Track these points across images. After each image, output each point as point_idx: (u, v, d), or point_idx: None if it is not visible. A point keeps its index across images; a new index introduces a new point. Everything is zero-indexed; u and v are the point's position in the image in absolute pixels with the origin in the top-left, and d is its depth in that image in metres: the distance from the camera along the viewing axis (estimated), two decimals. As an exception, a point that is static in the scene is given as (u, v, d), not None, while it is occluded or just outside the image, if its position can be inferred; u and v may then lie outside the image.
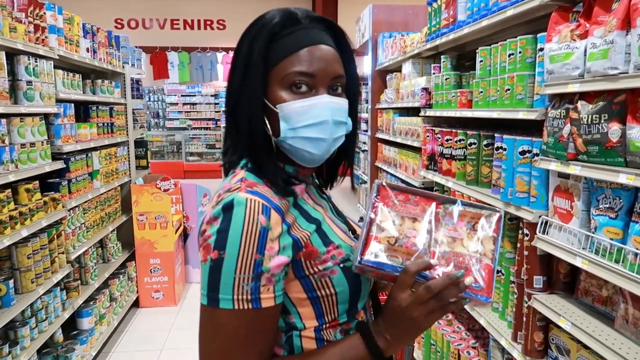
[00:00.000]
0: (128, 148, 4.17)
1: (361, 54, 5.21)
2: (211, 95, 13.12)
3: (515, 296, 1.88)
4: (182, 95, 13.10)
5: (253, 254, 0.79)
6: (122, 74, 4.04)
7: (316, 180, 1.07)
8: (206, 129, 12.80)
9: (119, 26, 12.63)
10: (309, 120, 0.87)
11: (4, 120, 2.34)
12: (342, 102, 0.92)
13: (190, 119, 13.06)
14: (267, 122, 0.89)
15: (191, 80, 13.13)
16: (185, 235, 4.72)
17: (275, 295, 0.83)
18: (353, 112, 0.98)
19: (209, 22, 13.17)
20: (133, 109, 4.26)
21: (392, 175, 3.81)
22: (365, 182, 4.78)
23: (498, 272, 2.10)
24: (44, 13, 2.74)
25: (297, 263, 0.86)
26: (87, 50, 3.32)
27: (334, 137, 0.90)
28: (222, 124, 6.87)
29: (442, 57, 2.70)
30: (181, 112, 13.09)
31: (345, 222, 1.05)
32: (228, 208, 0.81)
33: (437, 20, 2.68)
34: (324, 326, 0.91)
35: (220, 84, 13.16)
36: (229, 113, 0.94)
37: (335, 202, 1.11)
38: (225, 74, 13.14)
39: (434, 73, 2.82)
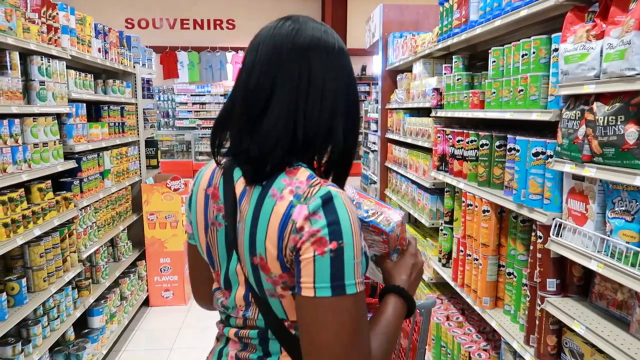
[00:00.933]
0: (139, 147, 4.19)
1: (371, 53, 5.20)
2: (220, 95, 13.16)
3: (528, 299, 1.86)
4: (191, 95, 13.16)
5: (360, 240, 0.86)
6: (133, 74, 4.06)
7: None
8: (215, 128, 12.81)
9: (130, 26, 12.70)
10: None
11: (17, 120, 2.36)
12: None
13: (199, 119, 13.11)
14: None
15: (201, 80, 13.18)
16: (194, 235, 4.73)
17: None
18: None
19: (218, 22, 13.21)
20: (144, 109, 4.28)
21: (402, 175, 3.79)
22: (374, 183, 4.76)
23: (510, 274, 2.08)
24: (57, 13, 2.75)
25: None
26: (99, 50, 3.33)
27: None
28: (232, 123, 6.84)
29: (453, 57, 2.68)
30: (190, 111, 13.15)
31: None
32: (327, 201, 0.84)
33: (448, 20, 2.66)
34: None
35: (230, 83, 13.19)
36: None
37: None
38: (235, 73, 13.17)
39: (445, 73, 2.80)
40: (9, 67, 2.30)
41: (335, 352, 0.83)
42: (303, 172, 0.90)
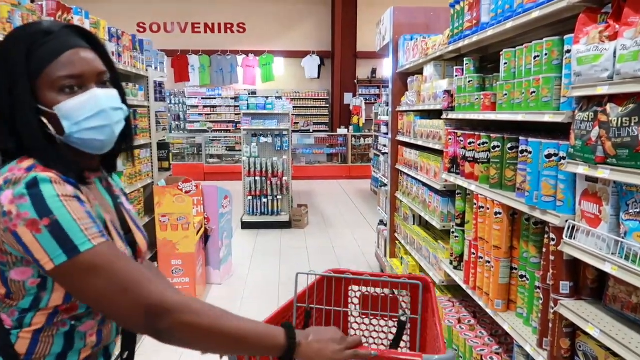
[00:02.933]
0: (151, 150, 4.23)
1: (381, 56, 5.20)
2: (231, 98, 13.24)
3: (541, 302, 1.85)
4: (202, 98, 13.25)
5: (78, 205, 0.94)
6: (145, 77, 4.10)
7: (103, 173, 1.18)
8: (226, 131, 12.92)
9: (142, 30, 12.83)
10: (89, 112, 0.99)
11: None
12: (113, 92, 1.06)
13: (210, 122, 13.20)
14: (47, 124, 0.98)
15: (211, 83, 13.27)
16: (206, 237, 4.76)
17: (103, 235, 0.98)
18: (123, 100, 1.10)
19: (229, 26, 13.30)
20: (156, 112, 4.32)
21: (412, 178, 3.79)
22: (385, 185, 4.76)
23: (522, 277, 2.07)
24: (72, 17, 2.80)
25: None
26: (112, 54, 3.37)
27: (114, 121, 1.04)
28: (242, 126, 6.93)
29: (465, 59, 2.68)
30: (201, 114, 13.24)
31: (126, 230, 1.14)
32: (32, 185, 0.91)
33: (460, 22, 2.66)
34: (60, 310, 1.00)
35: (240, 86, 13.28)
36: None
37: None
38: (245, 76, 13.25)
39: (456, 75, 2.79)
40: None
41: (114, 300, 0.92)
42: (27, 162, 0.97)
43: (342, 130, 12.38)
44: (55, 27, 1.02)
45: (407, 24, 4.14)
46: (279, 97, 11.38)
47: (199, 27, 13.24)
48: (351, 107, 12.86)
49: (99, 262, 0.91)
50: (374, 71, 13.41)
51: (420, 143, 3.52)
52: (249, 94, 12.22)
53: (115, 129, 1.05)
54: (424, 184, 3.47)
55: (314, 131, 12.83)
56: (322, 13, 13.37)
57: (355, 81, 13.35)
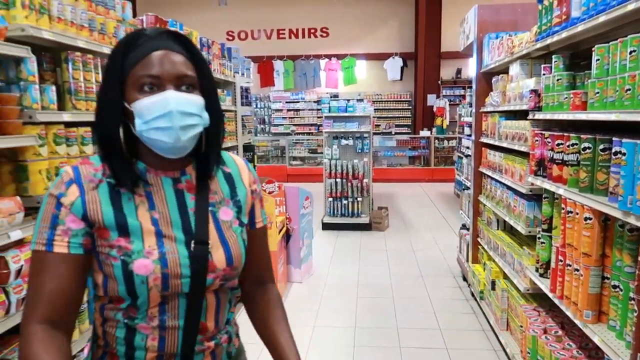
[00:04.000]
0: (237, 152, 4.45)
1: (466, 56, 5.06)
2: (314, 102, 13.51)
3: (635, 314, 1.72)
4: (286, 102, 13.65)
5: (49, 211, 1.02)
6: (233, 83, 4.33)
7: (184, 177, 1.12)
8: (309, 134, 13.19)
9: (230, 38, 13.48)
10: (157, 112, 1.00)
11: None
12: (189, 97, 1.03)
13: (293, 125, 13.55)
14: (130, 121, 1.04)
15: (295, 87, 13.63)
16: (287, 237, 4.91)
17: (69, 244, 1.02)
18: (215, 111, 1.10)
19: (312, 31, 13.58)
20: (242, 116, 4.54)
21: (496, 181, 3.65)
22: (468, 188, 4.62)
23: (615, 287, 1.93)
24: (168, 30, 3.04)
25: (93, 236, 1.03)
26: (203, 62, 3.61)
27: (180, 125, 1.00)
28: (323, 129, 7.05)
29: (553, 56, 2.55)
30: (285, 117, 13.64)
31: (189, 233, 1.08)
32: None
33: (548, 18, 2.54)
34: (106, 302, 1.05)
35: (323, 90, 13.50)
36: (97, 123, 1.08)
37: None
38: (328, 80, 13.46)
39: (544, 74, 2.67)
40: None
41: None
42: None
43: (424, 133, 12.17)
44: (153, 32, 1.06)
45: (492, 22, 4.00)
46: (361, 100, 11.45)
47: (284, 33, 13.65)
48: (434, 109, 12.60)
49: (31, 265, 1.04)
50: (458, 71, 13.04)
51: (505, 145, 3.39)
52: (331, 97, 12.41)
53: (181, 133, 1.01)
54: (509, 187, 3.33)
55: (396, 133, 12.72)
56: (405, 14, 13.24)
57: (439, 82, 13.05)
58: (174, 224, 1.06)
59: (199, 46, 3.53)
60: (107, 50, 2.34)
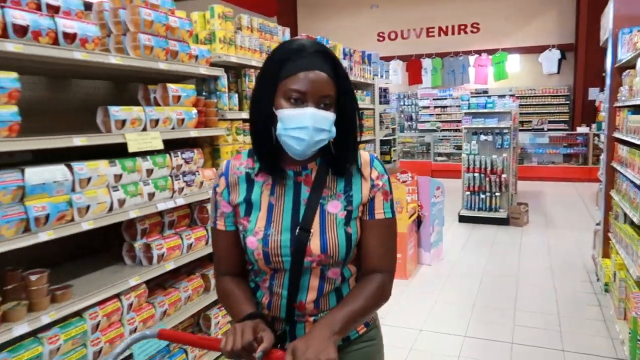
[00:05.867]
0: (374, 145, 5.08)
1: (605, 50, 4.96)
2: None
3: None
4: (433, 99, 13.88)
5: (215, 198, 1.34)
6: (372, 85, 4.97)
7: (305, 172, 1.29)
8: (455, 130, 13.27)
9: (381, 39, 14.15)
10: (295, 124, 1.17)
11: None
12: (326, 114, 1.19)
13: (440, 121, 13.74)
14: (273, 122, 1.22)
15: (443, 84, 13.77)
16: (419, 222, 5.41)
17: (225, 224, 1.31)
18: (347, 122, 1.25)
19: (462, 27, 13.57)
20: (380, 113, 5.16)
21: (622, 175, 3.70)
22: (601, 182, 4.61)
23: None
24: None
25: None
26: (345, 69, 4.30)
27: (313, 139, 1.18)
28: (462, 125, 7.29)
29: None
30: (432, 114, 13.89)
31: (297, 221, 1.25)
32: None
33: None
34: (252, 269, 1.35)
35: (471, 86, 13.43)
36: (251, 116, 1.28)
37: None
38: (477, 76, 13.35)
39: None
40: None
41: None
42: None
43: (582, 129, 11.40)
44: (309, 47, 1.20)
45: (628, 16, 3.98)
46: (512, 95, 11.19)
47: (433, 31, 13.87)
48: (596, 103, 11.70)
49: (211, 235, 1.37)
50: (627, 62, 11.87)
51: (629, 139, 3.46)
52: (481, 93, 12.33)
53: (311, 145, 1.18)
54: (631, 181, 3.41)
55: (549, 129, 12.13)
56: (564, 3, 12.50)
57: (603, 74, 12.04)
58: (285, 210, 1.26)
59: (342, 55, 4.24)
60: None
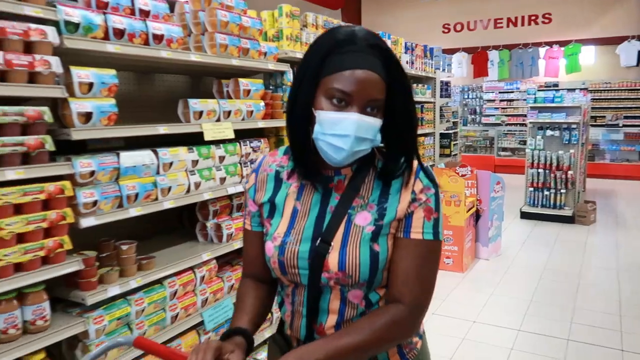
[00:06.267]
0: (434, 138, 5.13)
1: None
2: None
3: None
4: (499, 92, 13.50)
5: (248, 199, 1.24)
6: (433, 78, 5.01)
7: (337, 177, 1.14)
8: (521, 124, 12.86)
9: (446, 30, 13.91)
10: (336, 130, 1.02)
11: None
12: (372, 121, 1.03)
13: (505, 115, 13.36)
14: (311, 121, 1.07)
15: (510, 77, 13.36)
16: (477, 216, 5.40)
17: (252, 223, 1.23)
18: (401, 125, 1.08)
19: (533, 17, 13.08)
20: (440, 106, 5.19)
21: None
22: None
23: None
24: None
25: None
26: (407, 62, 4.39)
27: (354, 150, 1.03)
28: (527, 119, 7.13)
29: None
30: (497, 108, 13.52)
31: (320, 226, 1.11)
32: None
33: None
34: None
35: (541, 79, 12.95)
36: (287, 111, 1.12)
37: None
38: (547, 68, 12.84)
39: None
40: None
41: None
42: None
43: (662, 125, 10.73)
44: (361, 39, 1.02)
45: None
46: (583, 89, 10.69)
47: (502, 22, 13.44)
48: (680, 98, 10.94)
49: (243, 236, 1.28)
50: None
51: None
52: (551, 86, 11.87)
53: (350, 155, 1.04)
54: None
55: (624, 125, 11.49)
56: (643, -9, 11.73)
57: (690, 67, 11.24)
58: (309, 218, 1.12)
59: (403, 50, 4.32)
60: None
